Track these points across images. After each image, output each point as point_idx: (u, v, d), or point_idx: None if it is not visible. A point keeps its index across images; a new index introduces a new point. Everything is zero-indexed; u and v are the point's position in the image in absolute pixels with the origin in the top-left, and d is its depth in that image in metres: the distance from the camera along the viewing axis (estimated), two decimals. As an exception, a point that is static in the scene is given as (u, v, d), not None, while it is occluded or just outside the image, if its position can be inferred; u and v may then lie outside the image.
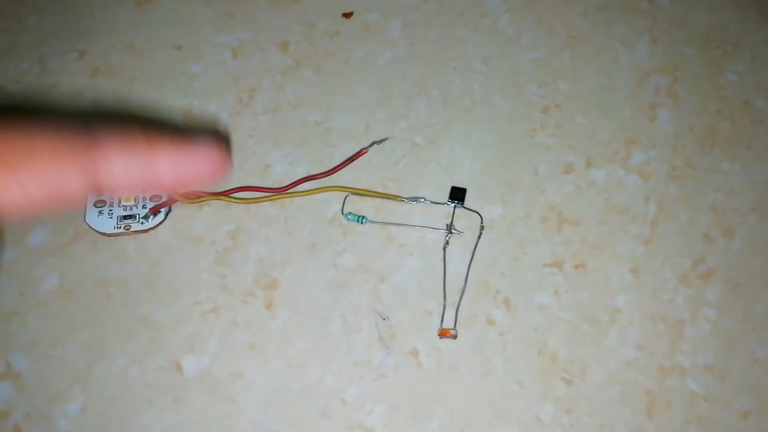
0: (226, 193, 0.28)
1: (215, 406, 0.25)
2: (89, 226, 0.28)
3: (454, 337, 0.26)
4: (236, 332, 0.26)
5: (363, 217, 0.28)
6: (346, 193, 0.29)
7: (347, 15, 0.33)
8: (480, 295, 0.27)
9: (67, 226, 0.28)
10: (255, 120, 0.31)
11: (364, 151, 0.29)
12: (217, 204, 0.29)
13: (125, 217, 0.28)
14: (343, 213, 0.28)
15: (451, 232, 0.28)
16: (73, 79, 0.32)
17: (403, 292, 0.27)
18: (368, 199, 0.29)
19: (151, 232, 0.28)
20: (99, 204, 0.28)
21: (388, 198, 0.29)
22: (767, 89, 0.32)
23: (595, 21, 0.33)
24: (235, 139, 0.30)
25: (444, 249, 0.28)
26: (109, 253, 0.28)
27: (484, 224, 0.28)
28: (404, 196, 0.29)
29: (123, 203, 0.28)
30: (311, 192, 0.29)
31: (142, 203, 0.28)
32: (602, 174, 0.30)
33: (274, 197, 0.29)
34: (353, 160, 0.29)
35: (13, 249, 0.28)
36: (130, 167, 0.19)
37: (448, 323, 0.27)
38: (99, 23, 0.33)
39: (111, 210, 0.28)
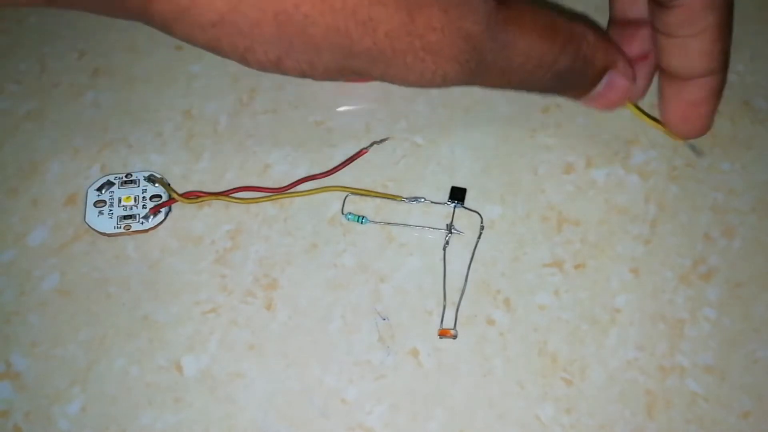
0: (226, 193, 0.28)
1: (215, 406, 0.25)
2: (89, 226, 0.28)
3: (454, 337, 0.26)
4: (236, 332, 0.27)
5: (363, 217, 0.28)
6: (346, 193, 0.29)
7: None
8: (480, 295, 0.27)
9: (67, 226, 0.28)
10: (255, 120, 0.31)
11: (364, 151, 0.29)
12: (217, 204, 0.29)
13: (125, 217, 0.28)
14: (343, 213, 0.28)
15: (451, 232, 0.28)
16: (73, 79, 0.32)
17: (403, 292, 0.27)
18: (368, 199, 0.29)
19: (151, 232, 0.28)
20: (99, 204, 0.28)
21: (388, 198, 0.29)
22: (767, 89, 0.32)
23: (595, 21, 0.33)
24: (235, 139, 0.30)
25: (444, 249, 0.28)
26: (109, 253, 0.28)
27: (484, 224, 0.28)
28: (404, 196, 0.29)
29: (123, 203, 0.28)
30: (311, 192, 0.29)
31: (142, 203, 0.28)
32: (602, 174, 0.30)
33: (274, 197, 0.29)
34: (353, 160, 0.29)
35: (13, 249, 0.28)
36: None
37: (448, 323, 0.27)
38: (99, 23, 0.33)
39: (111, 210, 0.28)
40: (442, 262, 0.28)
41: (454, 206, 0.29)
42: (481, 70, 0.22)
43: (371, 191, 0.29)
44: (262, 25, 0.19)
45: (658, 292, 0.27)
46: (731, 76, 0.32)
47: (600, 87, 0.25)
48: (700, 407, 0.25)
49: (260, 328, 0.27)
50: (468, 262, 0.28)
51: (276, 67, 0.22)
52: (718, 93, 0.24)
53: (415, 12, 0.19)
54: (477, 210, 0.29)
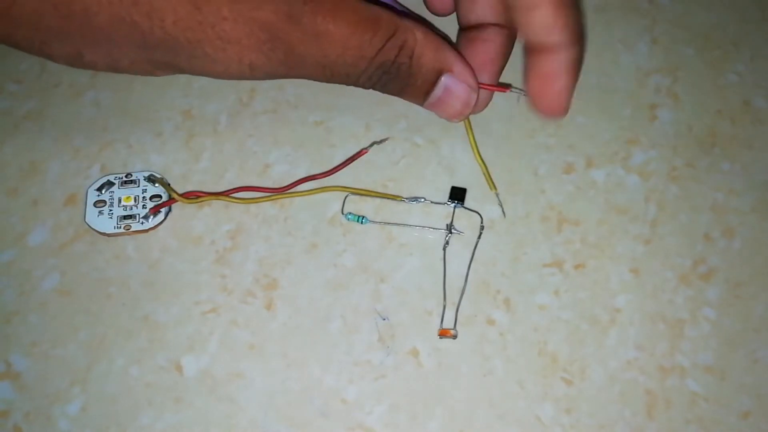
0: (226, 193, 0.28)
1: (215, 406, 0.25)
2: (89, 226, 0.28)
3: (454, 337, 0.26)
4: (236, 332, 0.27)
5: (363, 217, 0.28)
6: (346, 193, 0.29)
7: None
8: (480, 295, 0.27)
9: (67, 226, 0.28)
10: (255, 120, 0.31)
11: (364, 151, 0.29)
12: (217, 204, 0.29)
13: (125, 217, 0.28)
14: (343, 213, 0.28)
15: (451, 232, 0.28)
16: (73, 79, 0.32)
17: (403, 292, 0.27)
18: (368, 199, 0.29)
19: (151, 232, 0.28)
20: (99, 204, 0.28)
21: (388, 198, 0.29)
22: (767, 89, 0.32)
23: (595, 21, 0.33)
24: (235, 139, 0.30)
25: (444, 249, 0.28)
26: (109, 253, 0.28)
27: (484, 224, 0.28)
28: (404, 196, 0.29)
29: (123, 203, 0.28)
30: (311, 192, 0.29)
31: (142, 203, 0.28)
32: (602, 174, 0.30)
33: (274, 197, 0.29)
34: (353, 160, 0.29)
35: (13, 249, 0.28)
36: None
37: (448, 323, 0.27)
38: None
39: (111, 210, 0.28)
40: (442, 262, 0.28)
41: (454, 206, 0.29)
42: (295, 62, 0.22)
43: (371, 191, 0.29)
44: (44, 16, 0.19)
45: (658, 292, 0.27)
46: (731, 76, 0.32)
47: (438, 91, 0.25)
48: (700, 407, 0.25)
49: (260, 328, 0.27)
50: (468, 262, 0.28)
51: (80, 62, 0.21)
52: (571, 68, 0.24)
53: (201, 2, 0.20)
54: (477, 210, 0.29)
